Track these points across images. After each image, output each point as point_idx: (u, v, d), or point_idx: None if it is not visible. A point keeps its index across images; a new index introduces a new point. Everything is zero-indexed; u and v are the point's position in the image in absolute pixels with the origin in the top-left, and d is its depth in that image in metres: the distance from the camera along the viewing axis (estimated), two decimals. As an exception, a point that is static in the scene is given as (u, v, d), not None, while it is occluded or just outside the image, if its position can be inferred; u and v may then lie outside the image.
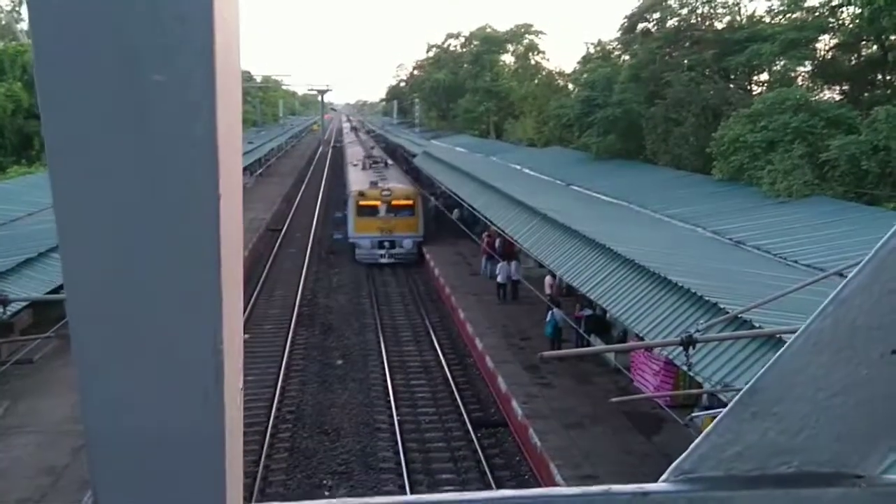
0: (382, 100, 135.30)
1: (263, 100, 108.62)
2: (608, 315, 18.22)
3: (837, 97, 30.55)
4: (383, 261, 33.86)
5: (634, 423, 16.41)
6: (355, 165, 47.80)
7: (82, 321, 0.67)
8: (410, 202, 35.06)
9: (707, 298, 11.65)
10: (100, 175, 0.63)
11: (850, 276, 0.67)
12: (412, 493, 14.97)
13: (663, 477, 0.66)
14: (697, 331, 7.15)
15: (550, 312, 21.17)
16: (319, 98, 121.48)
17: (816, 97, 27.88)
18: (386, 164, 48.21)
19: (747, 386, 0.69)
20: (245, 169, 52.90)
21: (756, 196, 23.54)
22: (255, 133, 78.00)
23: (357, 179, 40.35)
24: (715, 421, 0.69)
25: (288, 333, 24.05)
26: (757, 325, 9.26)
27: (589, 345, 17.69)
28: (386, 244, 34.13)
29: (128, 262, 0.65)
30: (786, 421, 0.67)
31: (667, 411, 10.45)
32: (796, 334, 0.69)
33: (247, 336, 23.59)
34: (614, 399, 10.18)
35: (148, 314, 0.67)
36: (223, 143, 0.64)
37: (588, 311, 20.79)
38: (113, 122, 0.62)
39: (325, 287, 30.71)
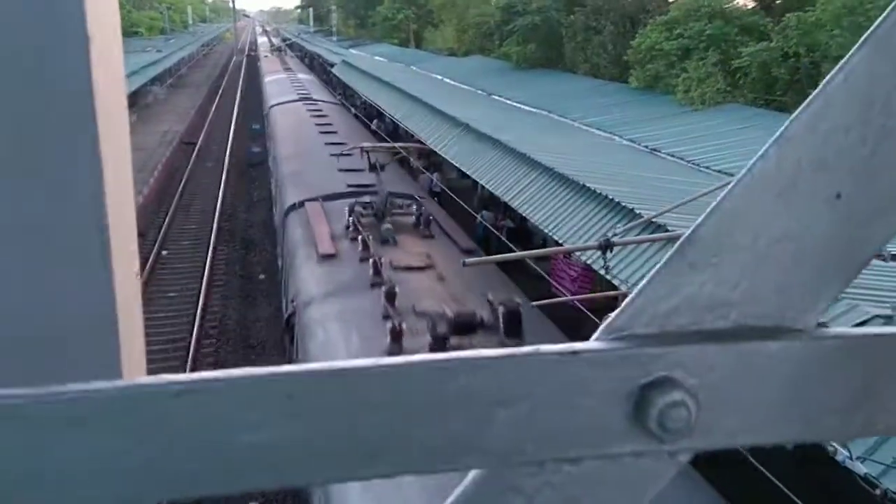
0: (298, 7, 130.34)
1: (171, 6, 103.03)
2: (529, 224, 18.51)
3: (751, 4, 30.95)
4: None
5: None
6: (328, 255, 11.38)
7: None
8: None
9: (624, 204, 11.93)
10: None
11: (796, 112, 0.62)
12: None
13: (594, 336, 0.62)
14: (615, 234, 7.34)
15: (480, 216, 21.31)
16: (231, 4, 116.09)
17: (730, 4, 28.18)
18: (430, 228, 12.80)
19: (686, 234, 0.63)
20: (155, 79, 50.56)
21: (671, 104, 23.92)
22: (163, 41, 74.29)
23: None
24: (650, 275, 0.64)
25: (208, 249, 23.63)
26: (671, 228, 9.57)
27: (511, 252, 17.93)
28: None
29: None
30: (725, 272, 0.62)
31: (586, 313, 10.81)
32: (737, 176, 0.64)
33: (165, 252, 23.11)
34: (535, 303, 10.45)
35: (12, 181, 0.55)
36: None
37: (510, 223, 21.05)
38: None
39: (246, 202, 30.12)
